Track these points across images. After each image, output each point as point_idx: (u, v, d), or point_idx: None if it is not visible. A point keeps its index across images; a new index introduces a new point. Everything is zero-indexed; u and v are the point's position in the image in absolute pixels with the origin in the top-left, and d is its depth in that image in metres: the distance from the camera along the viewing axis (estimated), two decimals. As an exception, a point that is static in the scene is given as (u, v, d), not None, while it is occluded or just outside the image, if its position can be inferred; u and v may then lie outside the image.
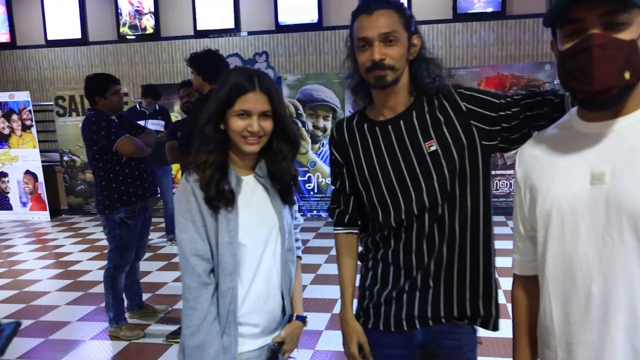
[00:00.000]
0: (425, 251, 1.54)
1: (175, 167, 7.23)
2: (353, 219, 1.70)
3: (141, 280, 4.35)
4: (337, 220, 1.73)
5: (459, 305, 1.55)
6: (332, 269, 5.08)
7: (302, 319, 1.76)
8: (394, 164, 1.55)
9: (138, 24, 8.93)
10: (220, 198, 1.56)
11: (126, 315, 4.02)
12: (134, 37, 8.93)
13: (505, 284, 4.31)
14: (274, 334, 1.70)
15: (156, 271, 5.44)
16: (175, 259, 5.90)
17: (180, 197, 1.60)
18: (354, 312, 1.70)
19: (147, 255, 5.29)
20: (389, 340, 1.61)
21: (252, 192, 1.66)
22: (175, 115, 7.30)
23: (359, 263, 1.74)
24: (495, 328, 1.61)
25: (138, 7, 8.92)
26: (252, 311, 1.64)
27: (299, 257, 1.84)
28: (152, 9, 8.85)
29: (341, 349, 1.72)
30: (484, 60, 7.75)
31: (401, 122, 1.56)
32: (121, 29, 8.97)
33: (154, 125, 5.73)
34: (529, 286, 1.35)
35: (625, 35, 1.08)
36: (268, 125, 1.59)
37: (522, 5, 7.73)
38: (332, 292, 4.54)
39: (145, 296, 4.44)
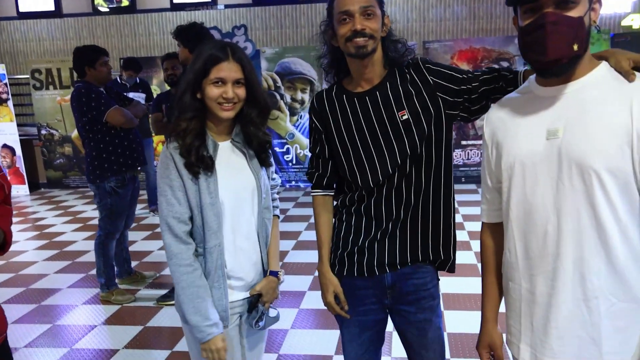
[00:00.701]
0: (394, 202, 1.74)
1: (156, 140, 7.31)
2: (330, 182, 1.89)
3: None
4: (316, 182, 1.90)
5: (423, 250, 1.77)
6: (311, 235, 5.25)
7: (275, 274, 1.92)
8: (371, 131, 1.73)
9: (113, -4, 8.85)
10: (200, 163, 1.70)
11: (116, 281, 4.17)
12: (108, 9, 8.86)
13: (476, 246, 4.57)
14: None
15: (141, 240, 5.59)
16: (159, 229, 6.04)
17: (161, 163, 1.74)
18: (330, 261, 1.89)
19: (131, 225, 5.44)
20: (362, 283, 1.80)
21: (229, 157, 1.80)
22: (154, 89, 7.35)
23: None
24: (451, 270, 1.85)
25: (114, -22, 8.83)
26: (237, 265, 1.81)
27: (277, 216, 2.00)
28: (128, -19, 8.78)
29: (323, 307, 1.92)
30: (457, 34, 7.94)
31: (377, 93, 1.73)
32: (96, 2, 8.88)
33: (135, 98, 5.79)
34: (495, 232, 1.56)
35: (574, 12, 1.25)
36: (241, 92, 1.73)
37: (494, -20, 7.92)
38: (312, 256, 4.72)
39: (132, 264, 4.59)
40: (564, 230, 1.31)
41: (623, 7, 7.48)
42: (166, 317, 3.77)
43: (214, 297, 1.76)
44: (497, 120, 1.49)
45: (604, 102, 1.28)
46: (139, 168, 4.06)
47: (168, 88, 7.65)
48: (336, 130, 1.80)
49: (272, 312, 1.94)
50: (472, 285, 3.90)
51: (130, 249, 4.94)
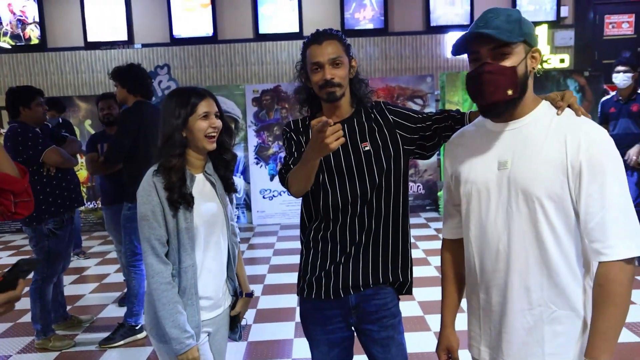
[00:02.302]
0: (357, 228, 1.91)
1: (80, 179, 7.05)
2: None
3: (60, 293, 4.32)
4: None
5: (383, 273, 1.94)
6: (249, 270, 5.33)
7: (250, 295, 2.27)
8: (336, 159, 1.91)
9: (21, 34, 8.57)
10: (183, 200, 1.92)
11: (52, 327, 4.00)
12: (9, 47, 8.54)
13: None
14: (223, 306, 2.11)
15: (69, 284, 5.35)
16: (86, 272, 5.85)
17: (143, 190, 1.93)
18: (299, 285, 2.01)
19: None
20: (328, 305, 1.95)
21: (202, 187, 2.03)
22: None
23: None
24: (409, 292, 2.05)
25: (21, 16, 8.56)
26: (206, 284, 2.01)
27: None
28: (37, 19, 8.55)
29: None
30: (370, 73, 8.45)
31: (345, 125, 1.90)
32: (1, 39, 8.55)
33: (58, 138, 5.64)
34: (455, 247, 1.76)
35: (508, 62, 1.45)
36: (220, 123, 2.00)
37: (401, 24, 8.57)
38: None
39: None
40: (512, 249, 1.50)
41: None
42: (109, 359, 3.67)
43: (188, 314, 1.93)
44: (456, 148, 1.70)
45: (543, 137, 1.47)
46: (76, 206, 3.99)
47: (89, 129, 7.50)
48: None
49: (243, 322, 2.29)
50: (406, 309, 4.14)
51: (60, 293, 4.77)
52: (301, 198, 2.01)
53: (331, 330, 1.98)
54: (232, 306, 2.18)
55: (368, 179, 1.89)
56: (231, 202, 2.15)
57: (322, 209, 1.95)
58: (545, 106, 1.55)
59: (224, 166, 2.09)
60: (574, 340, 1.50)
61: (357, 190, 1.90)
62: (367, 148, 1.91)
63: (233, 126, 7.57)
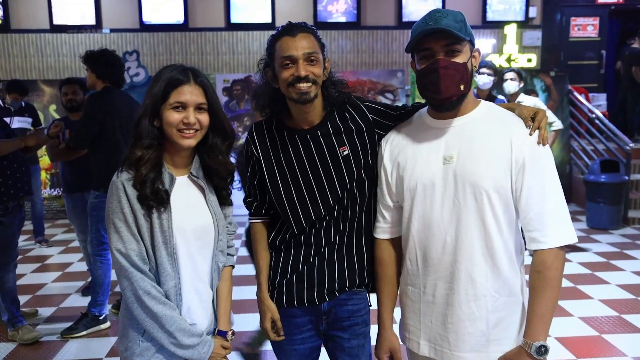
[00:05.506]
0: (332, 230, 1.79)
1: (43, 166, 6.90)
2: (269, 210, 1.88)
3: (17, 283, 4.16)
4: (254, 211, 1.89)
5: (359, 274, 1.82)
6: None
7: (223, 335, 1.76)
8: (312, 167, 1.76)
9: (-17, 14, 8.29)
10: (154, 197, 1.55)
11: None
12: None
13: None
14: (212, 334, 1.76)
15: (30, 273, 5.24)
16: (48, 261, 5.72)
17: (112, 196, 1.57)
18: (269, 289, 1.86)
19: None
20: (298, 312, 1.82)
21: (186, 193, 1.67)
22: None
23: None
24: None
25: (-17, -4, 8.27)
26: (194, 311, 1.68)
27: (232, 266, 1.85)
28: (0, -1, 8.28)
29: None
30: (342, 67, 8.46)
31: (318, 131, 1.77)
32: (-38, 19, 8.26)
33: (21, 122, 5.47)
34: (394, 247, 1.75)
35: (459, 59, 1.51)
36: (204, 118, 1.61)
37: (374, 18, 8.60)
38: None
39: (24, 298, 4.34)
40: (459, 240, 1.54)
41: (484, 49, 8.51)
42: (73, 351, 3.60)
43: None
44: (396, 146, 1.69)
45: (488, 134, 1.54)
46: (22, 196, 3.72)
47: (53, 114, 7.32)
48: (269, 165, 1.80)
49: None
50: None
51: (20, 282, 4.66)
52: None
53: (300, 340, 1.86)
54: None
55: (348, 180, 1.76)
56: (226, 215, 1.80)
57: (294, 224, 1.79)
58: (484, 106, 1.62)
59: (213, 174, 1.72)
60: (514, 324, 1.58)
61: (338, 194, 1.76)
62: (345, 152, 1.76)
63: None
